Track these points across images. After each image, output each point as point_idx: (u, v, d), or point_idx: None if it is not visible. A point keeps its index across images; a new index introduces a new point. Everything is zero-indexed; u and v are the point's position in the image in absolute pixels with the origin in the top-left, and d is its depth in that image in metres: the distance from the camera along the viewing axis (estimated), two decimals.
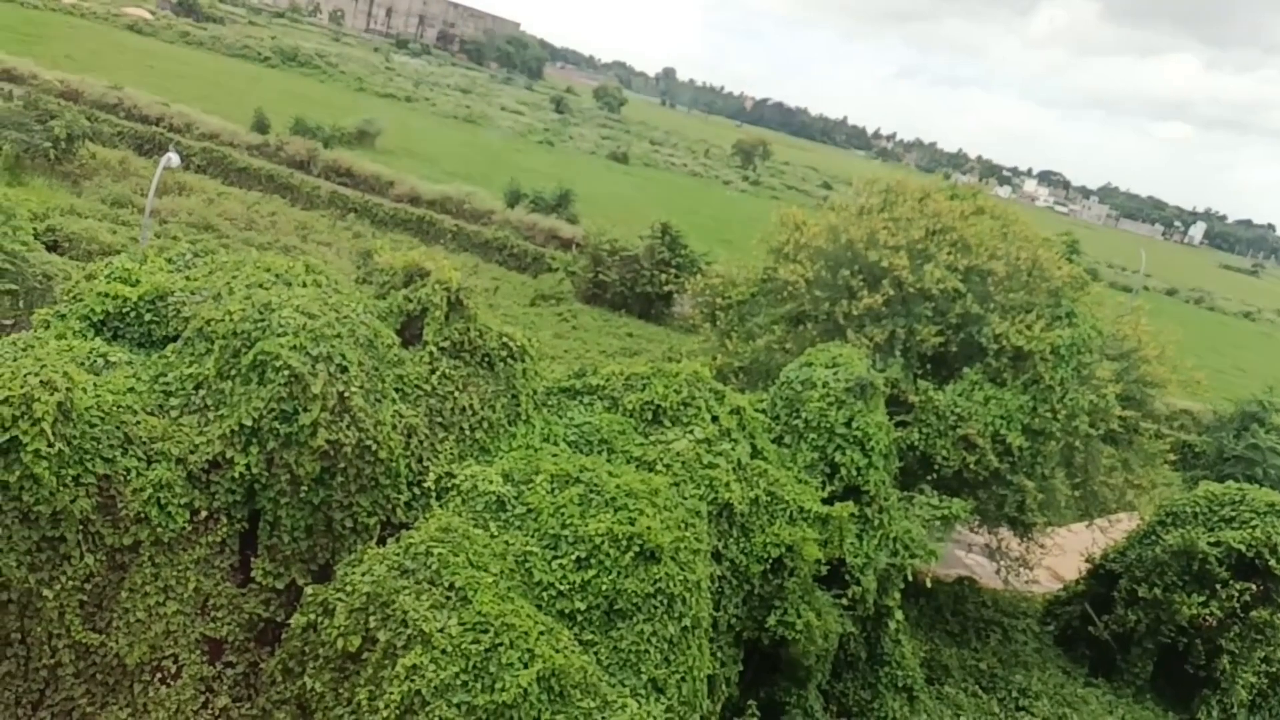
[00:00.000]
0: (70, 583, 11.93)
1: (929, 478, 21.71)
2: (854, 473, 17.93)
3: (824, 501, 17.16)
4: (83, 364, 13.51)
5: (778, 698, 16.88)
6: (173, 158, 31.28)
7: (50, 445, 11.52)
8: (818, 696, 17.42)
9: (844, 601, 17.19)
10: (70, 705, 12.27)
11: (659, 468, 15.41)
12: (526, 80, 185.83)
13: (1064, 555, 26.03)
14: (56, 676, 12.14)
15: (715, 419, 16.74)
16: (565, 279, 46.97)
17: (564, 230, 52.60)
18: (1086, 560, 24.40)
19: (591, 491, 14.05)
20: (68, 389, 11.90)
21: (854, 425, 18.14)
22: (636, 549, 13.27)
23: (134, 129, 52.14)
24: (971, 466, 21.75)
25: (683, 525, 14.17)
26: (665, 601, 13.28)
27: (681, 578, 13.50)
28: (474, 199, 53.34)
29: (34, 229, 26.27)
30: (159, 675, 12.26)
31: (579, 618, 12.90)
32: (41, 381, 11.70)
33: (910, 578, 18.44)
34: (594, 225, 49.69)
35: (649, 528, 13.40)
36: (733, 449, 16.47)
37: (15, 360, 13.01)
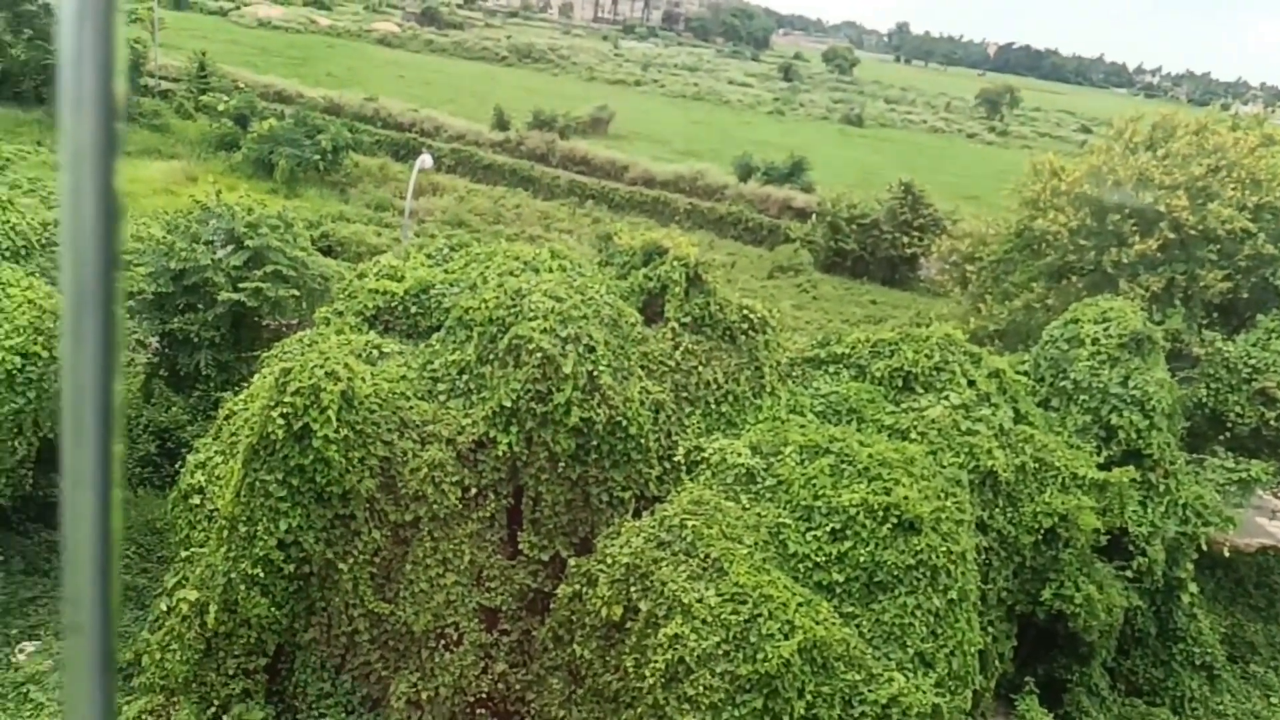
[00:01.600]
0: (361, 556, 12.95)
1: (1221, 438, 19.73)
2: (1133, 435, 16.55)
3: (1100, 467, 15.94)
4: (360, 356, 14.59)
5: (1057, 675, 15.90)
6: (426, 160, 33.32)
7: (337, 431, 12.51)
8: (1103, 674, 16.28)
9: (1128, 574, 15.93)
10: (368, 669, 13.34)
11: (913, 436, 14.84)
12: (753, 51, 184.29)
13: None
14: (355, 643, 13.23)
15: (972, 383, 15.91)
16: (802, 249, 46.25)
17: (798, 200, 51.79)
18: None
19: (843, 462, 13.71)
20: (349, 379, 12.87)
21: (1130, 384, 16.73)
22: (894, 520, 12.83)
23: (389, 136, 56.01)
24: (1272, 423, 19.57)
25: (942, 495, 13.56)
26: (928, 574, 12.76)
27: (944, 549, 12.93)
28: (706, 176, 53.52)
29: (310, 236, 28.74)
30: (443, 642, 13.09)
31: (838, 590, 12.63)
32: (326, 373, 12.71)
33: (1205, 548, 16.84)
34: (830, 192, 48.62)
35: (906, 498, 12.92)
36: (993, 414, 15.59)
37: (302, 355, 14.25)
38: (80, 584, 1.74)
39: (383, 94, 61.64)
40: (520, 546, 13.62)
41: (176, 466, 16.23)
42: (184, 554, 13.72)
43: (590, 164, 54.90)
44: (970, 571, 13.47)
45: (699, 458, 14.20)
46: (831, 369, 16.53)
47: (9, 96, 53.02)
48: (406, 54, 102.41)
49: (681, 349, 15.04)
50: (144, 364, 21.99)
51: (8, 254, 16.46)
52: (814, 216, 48.31)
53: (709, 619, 11.43)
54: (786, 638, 11.28)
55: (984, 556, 14.57)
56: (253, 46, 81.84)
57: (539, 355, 13.40)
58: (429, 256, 18.78)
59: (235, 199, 22.47)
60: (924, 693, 11.95)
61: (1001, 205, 27.46)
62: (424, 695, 12.88)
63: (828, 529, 12.94)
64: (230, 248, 20.82)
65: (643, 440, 13.85)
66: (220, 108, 52.41)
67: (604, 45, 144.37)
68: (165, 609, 13.40)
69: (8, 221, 16.85)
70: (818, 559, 12.77)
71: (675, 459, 14.22)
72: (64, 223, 1.66)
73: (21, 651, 15.25)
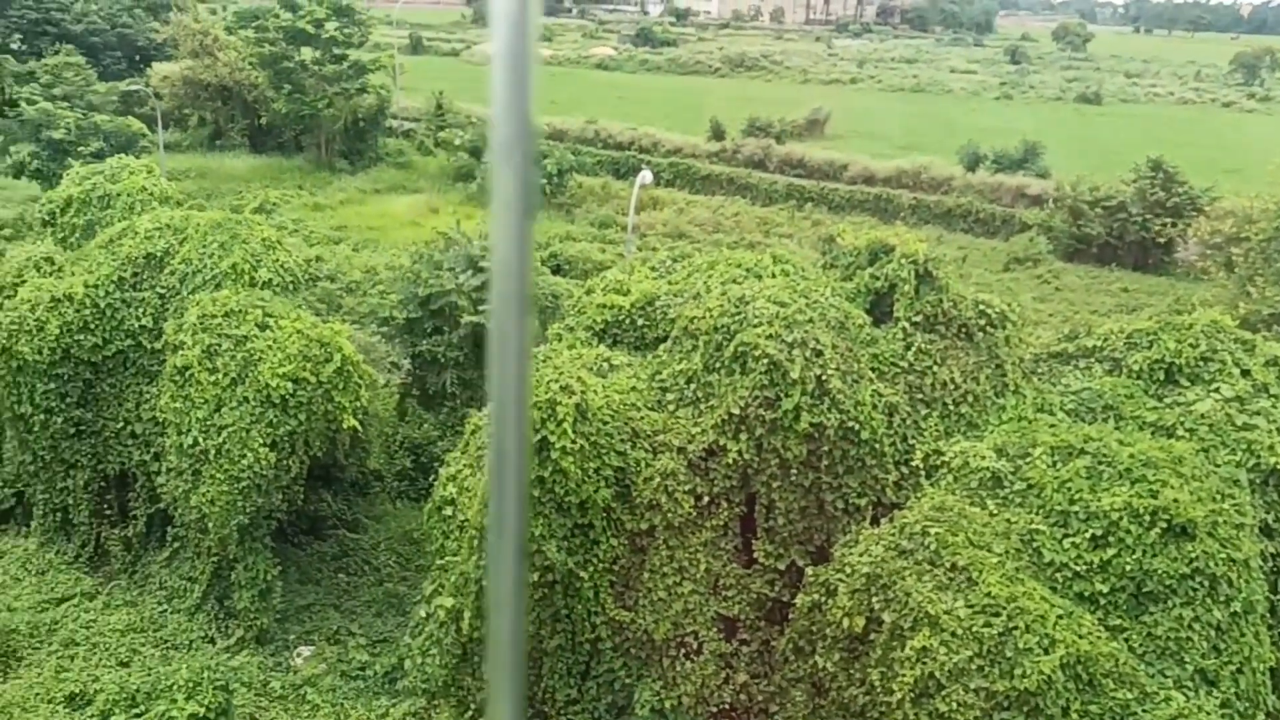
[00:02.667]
0: (600, 565, 13.23)
1: None
2: None
3: None
4: (591, 369, 14.96)
5: None
6: (645, 176, 33.92)
7: (573, 442, 12.86)
8: None
9: None
10: (611, 676, 13.60)
11: (1180, 433, 13.56)
12: (975, 37, 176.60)
13: None
14: (598, 650, 13.53)
15: (1246, 373, 14.38)
16: (1040, 238, 43.67)
17: (1033, 187, 48.97)
18: None
19: (1100, 463, 12.71)
20: (582, 392, 13.21)
21: None
22: (1163, 524, 11.75)
23: (610, 156, 57.58)
24: None
25: (1218, 496, 12.31)
26: (1206, 583, 11.60)
27: (1224, 555, 11.72)
28: (930, 169, 51.62)
29: (540, 256, 29.93)
30: (683, 651, 13.16)
31: (1101, 601, 11.70)
32: (561, 387, 13.10)
33: None
34: (1068, 176, 45.69)
35: (1176, 500, 11.81)
36: (1273, 407, 14.02)
37: (538, 370, 14.77)
38: (500, 576, 1.93)
39: (602, 116, 63.46)
40: (755, 555, 13.49)
41: (430, 480, 17.21)
42: (439, 562, 14.49)
43: (808, 166, 54.22)
44: (1256, 580, 12.14)
45: (939, 462, 13.59)
46: (1082, 364, 15.42)
47: (273, 146, 58.55)
48: (623, 75, 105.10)
49: (914, 349, 14.47)
50: (398, 385, 23.57)
51: (278, 289, 18.04)
52: (1051, 203, 45.55)
53: (959, 631, 10.87)
54: (1046, 652, 10.55)
55: (1272, 564, 13.10)
56: (482, 82, 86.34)
57: (765, 361, 13.26)
58: (653, 269, 19.06)
59: (472, 226, 23.72)
60: (1208, 714, 10.86)
61: (1269, 178, 24.82)
62: (667, 704, 12.98)
63: (1087, 535, 12.02)
64: (469, 272, 21.96)
65: (877, 445, 13.40)
66: (456, 142, 55.62)
67: (817, 46, 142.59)
68: (424, 615, 14.20)
69: (277, 259, 18.48)
70: (1077, 568, 11.88)
71: (913, 464, 13.67)
72: (494, 254, 1.97)
73: (299, 656, 16.61)
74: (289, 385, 16.01)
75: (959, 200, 49.17)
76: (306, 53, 55.81)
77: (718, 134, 57.17)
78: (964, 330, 14.79)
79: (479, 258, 22.11)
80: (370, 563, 18.75)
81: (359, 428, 17.28)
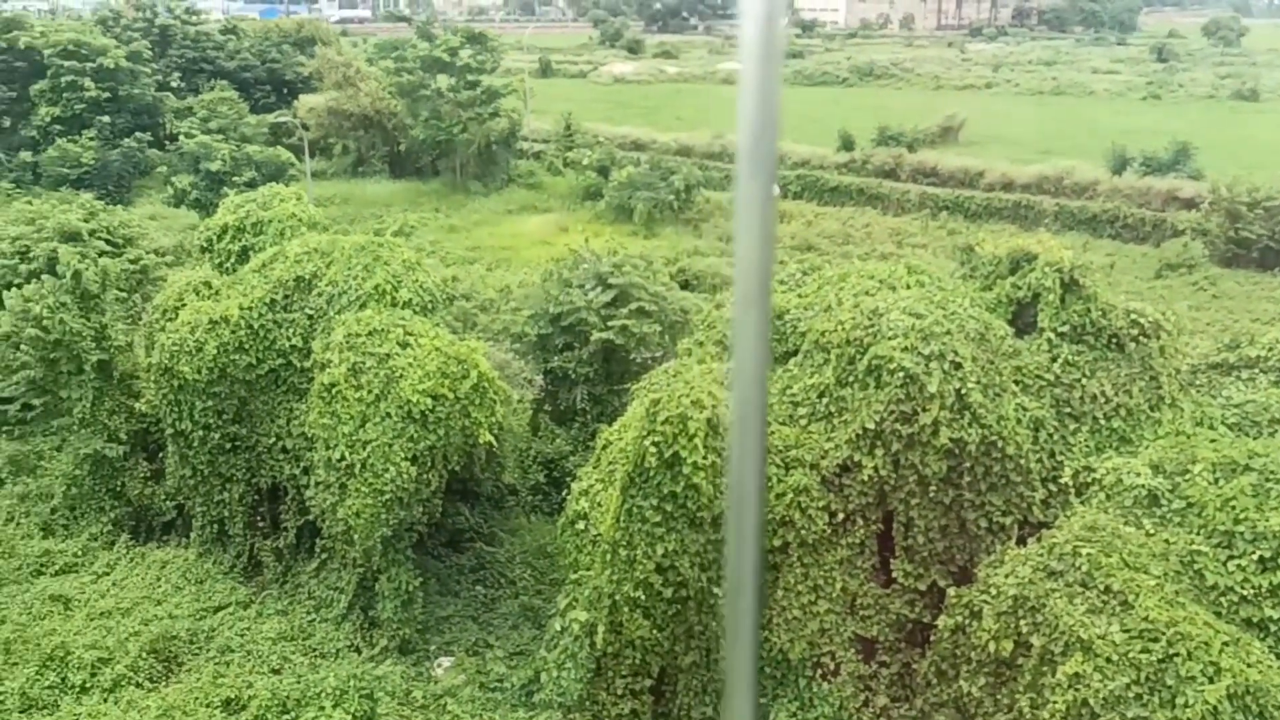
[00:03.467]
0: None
1: None
2: None
3: None
4: (722, 383, 14.87)
5: None
6: (774, 189, 33.69)
7: (704, 457, 12.80)
8: None
9: None
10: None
11: None
12: (1118, 36, 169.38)
13: None
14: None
15: None
16: (1195, 243, 41.36)
17: (1185, 189, 46.44)
18: None
19: (1268, 479, 11.91)
20: (713, 406, 13.14)
21: None
22: None
23: (735, 170, 57.39)
24: None
25: None
26: None
27: None
28: (1073, 173, 49.57)
29: (669, 272, 30.02)
30: (819, 671, 12.90)
31: (1272, 628, 10.93)
32: (692, 401, 13.07)
33: None
34: (1223, 177, 43.16)
35: None
36: None
37: (669, 385, 14.78)
38: (739, 583, 2.15)
39: (729, 130, 63.31)
40: (894, 574, 13.14)
41: (562, 494, 17.43)
42: (573, 576, 14.63)
43: (941, 174, 52.82)
44: None
45: (1089, 479, 12.96)
46: (1244, 375, 14.51)
47: (411, 171, 60.67)
48: None
49: (1060, 361, 13.87)
50: (530, 400, 23.99)
51: (418, 308, 18.60)
52: (1206, 205, 43.10)
53: (1115, 657, 10.31)
54: (1211, 681, 9.90)
55: None
56: (610, 102, 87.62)
57: (901, 375, 12.93)
58: (781, 282, 18.86)
59: (601, 244, 24.01)
60: None
61: None
62: None
63: (1254, 557, 11.25)
64: (599, 289, 22.21)
65: (1022, 461, 12.89)
66: (584, 161, 56.52)
67: (949, 52, 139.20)
68: (559, 629, 14.35)
69: (417, 280, 19.08)
70: (1244, 592, 11.13)
71: (1061, 481, 13.09)
72: (738, 257, 2.16)
73: (439, 666, 17.01)
74: (429, 401, 16.47)
75: (1105, 205, 47.04)
76: (442, 80, 57.69)
77: (847, 144, 56.31)
78: (1114, 340, 14.12)
79: (608, 274, 22.33)
80: (506, 576, 19.08)
81: (494, 443, 17.62)
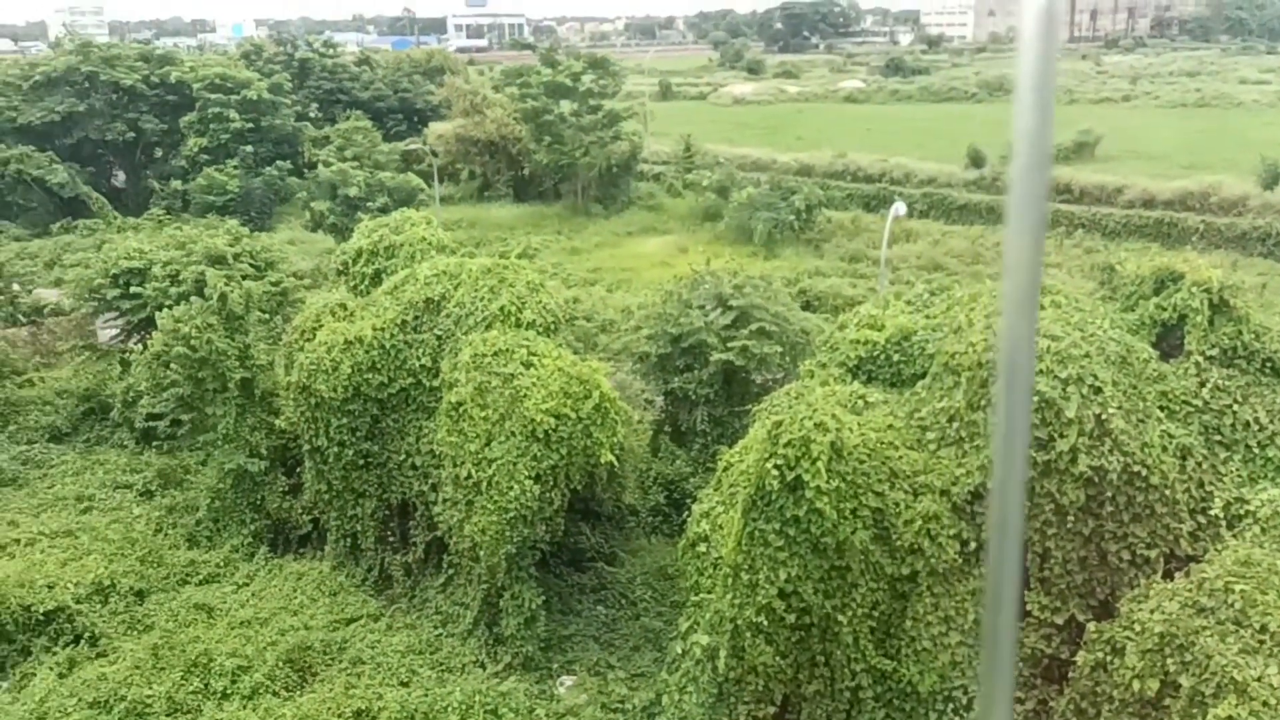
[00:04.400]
0: (860, 609, 12.79)
1: None
2: None
3: None
4: (846, 406, 14.61)
5: None
6: (900, 208, 33.04)
7: (828, 481, 12.56)
8: None
9: None
10: None
11: None
12: (1268, 44, 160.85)
13: None
14: (859, 698, 13.05)
15: None
16: None
17: None
18: None
19: None
20: (837, 429, 12.90)
21: None
22: None
23: (860, 189, 56.63)
24: None
25: None
26: None
27: None
28: (1221, 189, 47.13)
29: (789, 293, 29.77)
30: (951, 705, 12.47)
31: None
32: (815, 424, 12.85)
33: None
34: None
35: None
36: None
37: (791, 407, 14.59)
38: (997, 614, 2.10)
39: (851, 149, 62.62)
40: (1029, 607, 12.62)
41: (683, 516, 17.37)
42: (694, 599, 14.54)
43: (1076, 191, 50.95)
44: None
45: (1243, 511, 12.22)
46: None
47: (534, 195, 61.98)
48: (873, 107, 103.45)
49: (1210, 386, 13.16)
50: (651, 421, 24.07)
51: (540, 329, 18.91)
52: None
53: (1271, 701, 9.65)
54: None
55: None
56: (729, 123, 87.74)
57: (1036, 399, 12.45)
58: (908, 303, 18.45)
59: (721, 265, 23.97)
60: None
61: None
62: None
63: None
64: (719, 310, 22.15)
65: (1168, 491, 12.24)
66: (704, 183, 56.66)
67: (1084, 65, 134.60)
68: (680, 652, 14.26)
69: (540, 301, 19.41)
70: None
71: (1211, 512, 12.38)
72: (1006, 265, 2.25)
73: (562, 684, 17.12)
74: (552, 421, 16.68)
75: (1256, 222, 44.55)
76: (565, 105, 58.82)
77: (976, 161, 54.90)
78: (1269, 365, 13.34)
79: (729, 296, 22.26)
80: (627, 596, 19.11)
81: (615, 463, 17.72)
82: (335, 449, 19.42)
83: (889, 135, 74.95)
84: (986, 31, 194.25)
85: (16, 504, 23.52)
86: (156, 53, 69.18)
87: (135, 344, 28.16)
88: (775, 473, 12.69)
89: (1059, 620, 12.35)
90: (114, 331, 30.04)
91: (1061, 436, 12.26)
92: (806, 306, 34.39)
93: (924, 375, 15.19)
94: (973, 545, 12.76)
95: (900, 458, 13.54)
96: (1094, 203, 49.73)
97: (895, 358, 16.32)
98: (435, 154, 61.58)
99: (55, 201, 57.39)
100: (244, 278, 26.74)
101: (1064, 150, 60.96)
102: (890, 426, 14.15)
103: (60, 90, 61.52)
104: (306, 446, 20.11)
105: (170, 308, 22.85)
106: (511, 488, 16.49)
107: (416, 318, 19.51)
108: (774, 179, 54.98)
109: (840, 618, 12.69)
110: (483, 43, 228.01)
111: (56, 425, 27.45)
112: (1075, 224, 48.32)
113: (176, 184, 59.51)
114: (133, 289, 28.14)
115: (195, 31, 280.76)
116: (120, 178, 66.16)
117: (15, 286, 35.73)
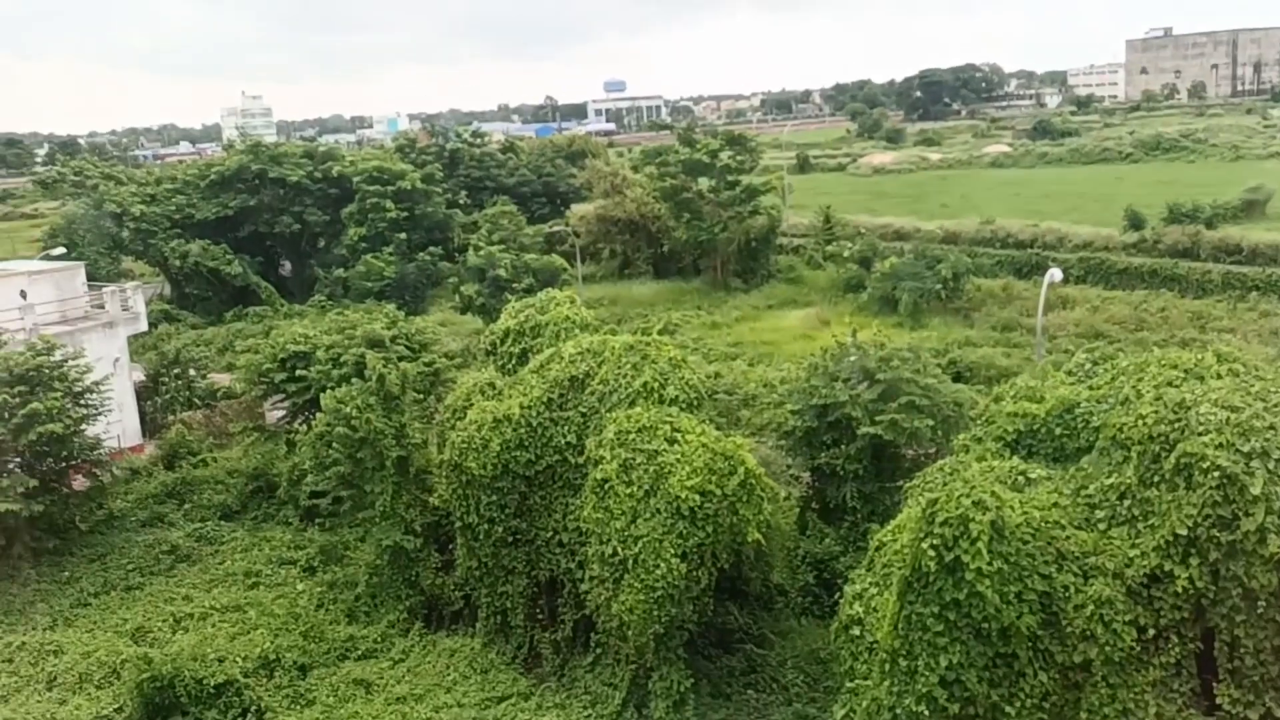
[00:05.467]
0: (1029, 700, 12.05)
1: None
2: None
3: None
4: (1005, 482, 13.98)
5: None
6: (1055, 274, 31.90)
7: (989, 563, 11.98)
8: None
9: None
10: None
11: None
12: None
13: None
14: None
15: None
16: None
17: None
18: None
19: None
20: (998, 508, 12.33)
21: None
22: None
23: (1010, 256, 54.88)
24: None
25: None
26: None
27: None
28: None
29: (938, 364, 28.93)
30: None
31: None
32: (973, 502, 12.33)
33: None
34: None
35: None
36: None
37: (945, 484, 14.05)
38: None
39: (999, 215, 61.05)
40: (1218, 700, 11.63)
41: (834, 596, 16.85)
42: (849, 685, 14.00)
43: (1248, 251, 48.05)
44: None
45: None
46: None
47: (674, 271, 62.70)
48: (1020, 171, 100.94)
49: None
50: (798, 498, 23.60)
51: (683, 405, 18.91)
52: None
53: None
54: None
55: None
56: (869, 193, 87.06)
57: (1216, 474, 11.68)
58: (1069, 373, 17.69)
59: (865, 336, 23.53)
60: None
61: None
62: None
63: None
64: (865, 383, 21.69)
65: None
66: (845, 254, 56.13)
67: (1249, 119, 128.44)
68: None
69: (682, 377, 19.45)
70: None
71: None
72: None
73: None
74: (697, 498, 16.56)
75: None
76: (703, 182, 59.61)
77: (1135, 223, 52.51)
78: None
79: (875, 369, 21.79)
80: (778, 680, 18.55)
81: (762, 541, 17.40)
82: (485, 526, 19.76)
83: (1039, 199, 72.81)
84: (1139, 89, 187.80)
85: (191, 579, 24.83)
86: (319, 149, 73.97)
87: (300, 424, 29.57)
88: (932, 553, 12.20)
89: (1253, 716, 11.36)
90: (281, 413, 31.63)
91: (1247, 515, 11.40)
92: (957, 378, 33.29)
93: (1089, 450, 14.48)
94: (1150, 632, 11.90)
95: (1068, 538, 12.83)
96: (1268, 263, 46.77)
97: (1057, 431, 15.60)
98: (577, 234, 63.22)
99: (228, 290, 61.52)
100: (400, 359, 27.80)
101: (1232, 208, 57.85)
102: (1055, 505, 13.45)
103: (233, 187, 66.34)
104: (458, 523, 20.55)
105: (333, 389, 23.90)
106: (658, 565, 16.37)
107: (562, 395, 19.83)
108: (918, 248, 54.02)
109: (1008, 708, 11.98)
110: (610, 126, 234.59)
111: (227, 503, 28.99)
112: (1248, 286, 45.49)
113: (338, 271, 62.89)
114: (298, 372, 29.63)
115: (354, 127, 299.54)
116: (287, 267, 70.47)
117: (192, 372, 38.26)
